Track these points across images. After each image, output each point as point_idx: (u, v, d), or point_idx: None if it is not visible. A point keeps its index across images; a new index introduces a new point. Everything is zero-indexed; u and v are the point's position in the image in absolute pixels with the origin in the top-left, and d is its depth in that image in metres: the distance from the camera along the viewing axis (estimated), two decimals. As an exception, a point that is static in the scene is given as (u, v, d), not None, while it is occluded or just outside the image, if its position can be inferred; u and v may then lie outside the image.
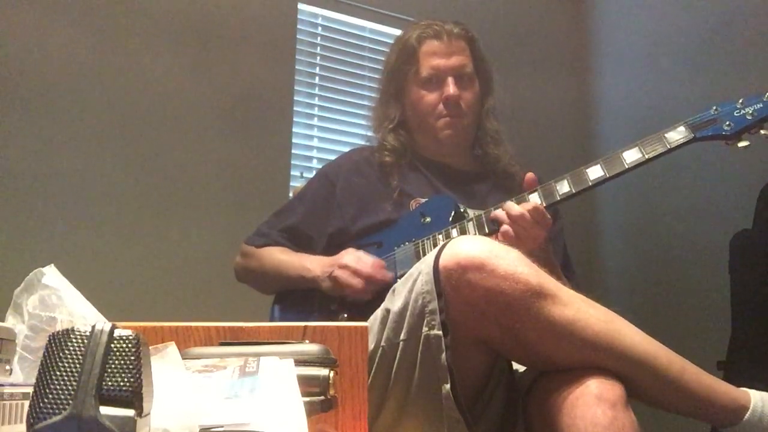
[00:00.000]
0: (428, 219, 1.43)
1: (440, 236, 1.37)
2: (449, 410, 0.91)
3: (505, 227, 1.27)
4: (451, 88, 1.50)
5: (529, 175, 1.35)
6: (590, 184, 1.30)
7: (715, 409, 0.94)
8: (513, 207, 1.28)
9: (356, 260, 1.37)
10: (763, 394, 0.97)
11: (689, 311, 2.34)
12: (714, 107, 1.29)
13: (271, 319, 1.53)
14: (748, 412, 0.94)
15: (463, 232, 1.36)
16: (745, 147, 1.27)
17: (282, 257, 1.51)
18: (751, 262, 1.86)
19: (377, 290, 1.35)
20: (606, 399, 0.85)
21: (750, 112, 1.26)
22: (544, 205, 1.31)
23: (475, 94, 1.56)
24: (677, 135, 1.28)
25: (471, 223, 1.36)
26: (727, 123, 1.26)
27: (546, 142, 2.78)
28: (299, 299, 1.49)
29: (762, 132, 1.26)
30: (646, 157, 1.27)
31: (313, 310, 1.45)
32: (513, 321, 0.91)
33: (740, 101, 1.27)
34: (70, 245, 2.03)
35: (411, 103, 1.56)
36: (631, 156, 1.29)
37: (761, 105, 1.25)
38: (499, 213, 1.30)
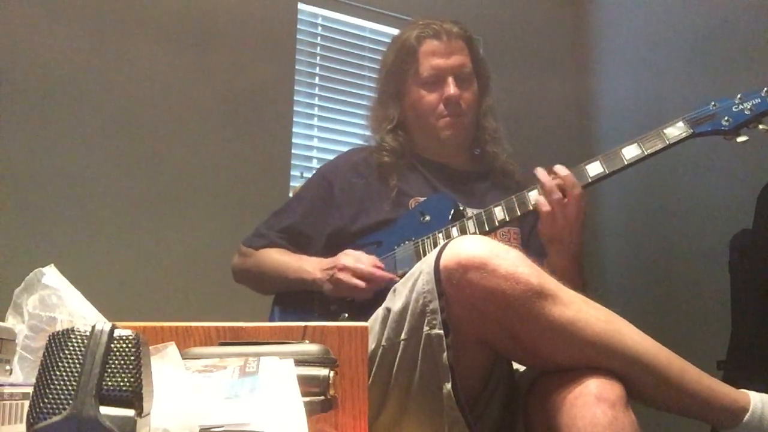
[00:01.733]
0: (427, 218, 1.43)
1: (440, 235, 1.37)
2: (450, 410, 0.91)
3: (546, 207, 1.28)
4: (451, 88, 1.50)
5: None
6: (590, 180, 1.30)
7: (715, 410, 0.94)
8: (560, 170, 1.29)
9: (355, 261, 1.38)
10: (763, 395, 0.97)
11: (689, 311, 2.34)
12: (712, 103, 1.29)
13: (271, 320, 1.53)
14: (748, 414, 0.94)
15: (463, 230, 1.36)
16: (744, 142, 1.27)
17: (280, 259, 1.51)
18: (751, 262, 1.86)
19: (379, 289, 1.35)
20: (606, 399, 0.86)
21: (748, 107, 1.26)
22: None
23: (475, 93, 1.56)
24: (676, 131, 1.27)
25: (471, 221, 1.36)
26: (726, 118, 1.26)
27: (546, 141, 2.77)
28: (299, 300, 1.49)
29: (761, 127, 1.26)
30: (646, 153, 1.27)
31: (313, 311, 1.45)
32: (513, 321, 0.91)
33: (738, 96, 1.27)
34: (70, 245, 2.03)
35: (411, 104, 1.56)
36: (631, 152, 1.29)
37: (759, 100, 1.25)
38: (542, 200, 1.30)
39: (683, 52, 2.50)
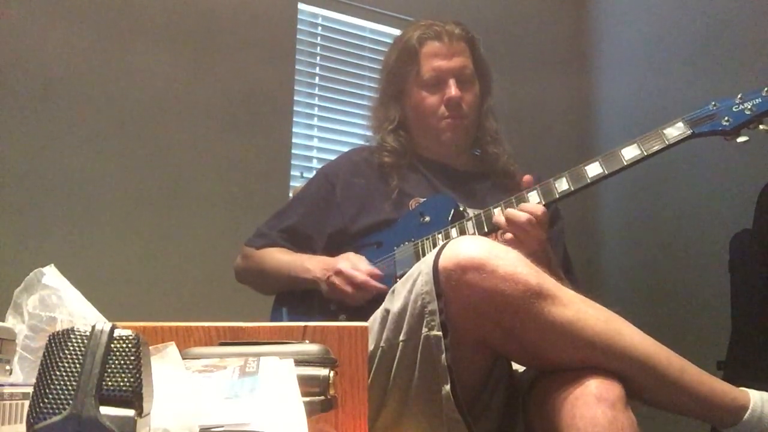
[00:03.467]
0: (427, 218, 1.42)
1: (440, 236, 1.37)
2: (449, 411, 0.91)
3: (508, 235, 1.27)
4: (452, 89, 1.50)
5: (527, 177, 1.35)
6: (589, 181, 1.29)
7: (715, 409, 0.94)
8: (516, 215, 1.26)
9: (351, 267, 1.37)
10: (763, 394, 0.97)
11: (689, 311, 2.34)
12: (712, 103, 1.28)
13: (273, 320, 1.53)
14: (748, 412, 0.94)
15: (462, 231, 1.35)
16: (744, 142, 1.26)
17: (282, 258, 1.51)
18: (751, 262, 1.86)
19: (371, 298, 1.34)
20: (605, 399, 0.86)
21: (749, 107, 1.24)
22: (543, 203, 1.31)
23: (476, 94, 1.56)
24: (676, 131, 1.27)
25: (470, 222, 1.36)
26: (726, 118, 1.25)
27: (546, 142, 2.78)
28: (299, 300, 1.49)
29: (761, 127, 1.25)
30: (645, 153, 1.26)
31: (313, 311, 1.45)
32: (513, 321, 0.91)
33: (739, 96, 1.26)
34: (70, 245, 2.04)
35: (412, 105, 1.56)
36: (630, 153, 1.28)
37: (760, 100, 1.24)
38: (501, 220, 1.29)
39: (684, 53, 2.51)
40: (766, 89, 1.25)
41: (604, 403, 0.85)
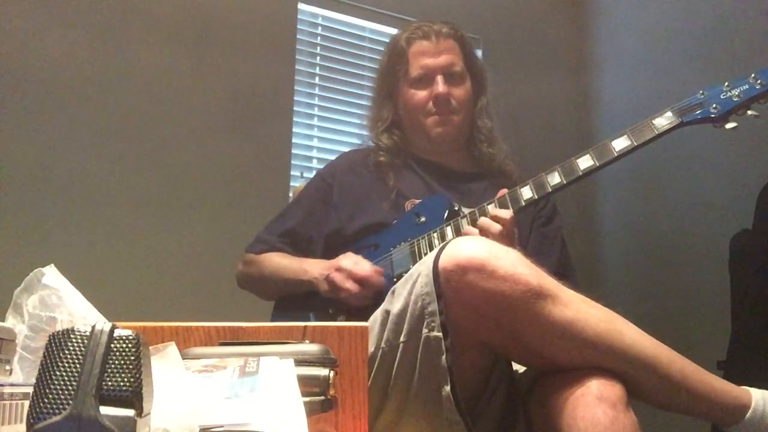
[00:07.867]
0: (423, 219, 1.42)
1: (435, 234, 1.37)
2: (449, 412, 0.91)
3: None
4: (440, 86, 1.51)
5: (502, 191, 1.35)
6: (581, 173, 1.30)
7: (716, 408, 0.94)
8: (485, 222, 1.29)
9: (353, 264, 1.37)
10: (765, 392, 0.97)
11: (689, 311, 2.34)
12: (700, 91, 1.29)
13: (272, 321, 1.53)
14: (749, 411, 0.94)
15: (457, 228, 1.35)
16: (734, 128, 1.27)
17: (280, 261, 1.51)
18: (751, 262, 1.86)
19: (372, 296, 1.34)
20: (606, 399, 0.85)
21: (736, 93, 1.26)
22: (536, 197, 1.31)
23: (467, 91, 1.56)
24: (665, 120, 1.27)
25: (465, 220, 1.36)
26: (714, 106, 1.26)
27: (546, 141, 2.78)
28: (298, 301, 1.48)
29: (749, 113, 1.26)
30: (635, 143, 1.27)
31: (312, 313, 1.45)
32: (513, 322, 0.91)
33: (726, 84, 1.28)
34: (70, 245, 2.03)
35: (402, 103, 1.57)
36: (620, 144, 1.29)
37: (747, 86, 1.25)
38: (471, 229, 1.30)
39: (683, 51, 2.51)
40: (752, 75, 1.26)
41: (605, 403, 0.85)
